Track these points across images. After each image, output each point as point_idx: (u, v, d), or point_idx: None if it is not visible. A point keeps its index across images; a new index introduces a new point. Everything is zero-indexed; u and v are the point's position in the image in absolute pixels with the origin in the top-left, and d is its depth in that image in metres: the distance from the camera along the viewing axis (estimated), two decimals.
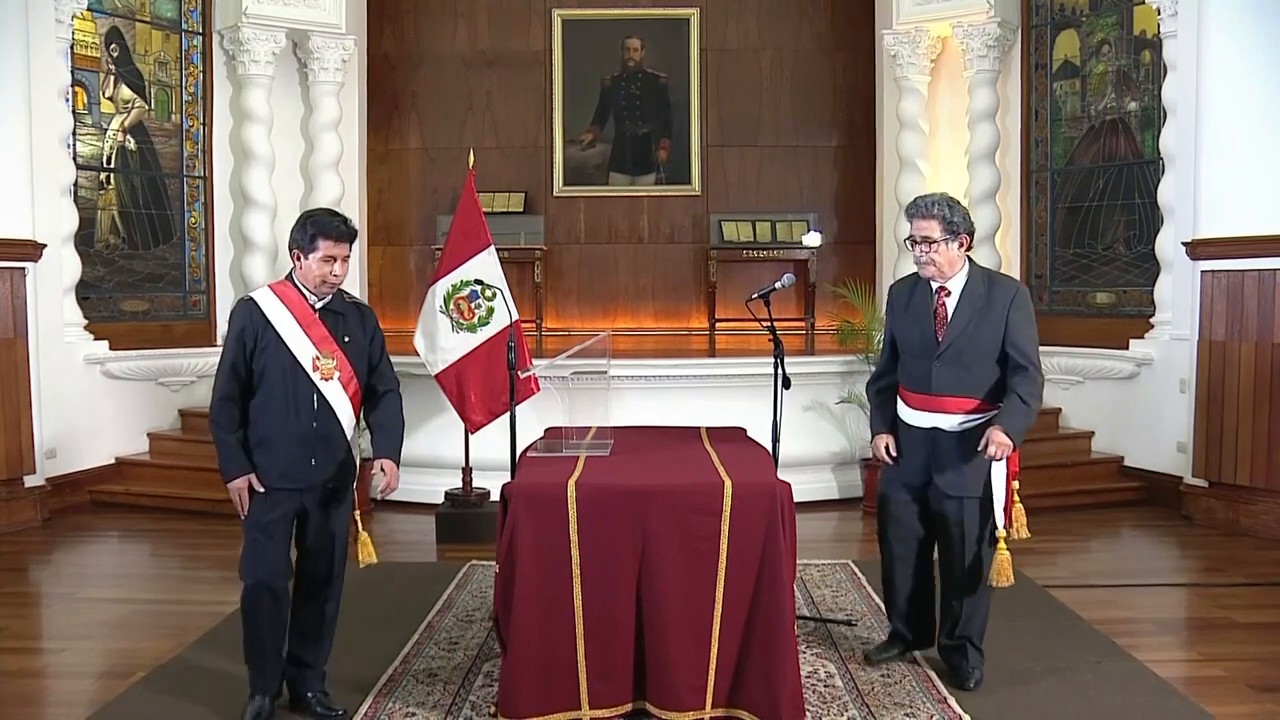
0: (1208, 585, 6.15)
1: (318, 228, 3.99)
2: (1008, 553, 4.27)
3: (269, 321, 3.98)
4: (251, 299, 4.05)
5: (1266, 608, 5.61)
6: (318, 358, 3.97)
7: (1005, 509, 4.24)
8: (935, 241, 4.27)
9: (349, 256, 4.09)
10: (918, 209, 4.31)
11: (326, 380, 3.99)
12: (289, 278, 4.10)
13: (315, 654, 4.14)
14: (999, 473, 4.22)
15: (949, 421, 4.31)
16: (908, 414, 4.46)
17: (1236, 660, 4.81)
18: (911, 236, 4.34)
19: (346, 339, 4.07)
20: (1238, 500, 7.19)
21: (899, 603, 4.64)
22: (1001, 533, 4.25)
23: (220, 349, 4.17)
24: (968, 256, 4.37)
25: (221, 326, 9.44)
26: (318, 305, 4.05)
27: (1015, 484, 4.29)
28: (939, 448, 4.35)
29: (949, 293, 4.34)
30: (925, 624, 4.68)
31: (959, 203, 4.33)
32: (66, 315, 8.01)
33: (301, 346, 3.97)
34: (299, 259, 4.03)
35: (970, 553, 4.34)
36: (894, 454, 4.51)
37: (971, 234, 4.33)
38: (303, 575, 4.11)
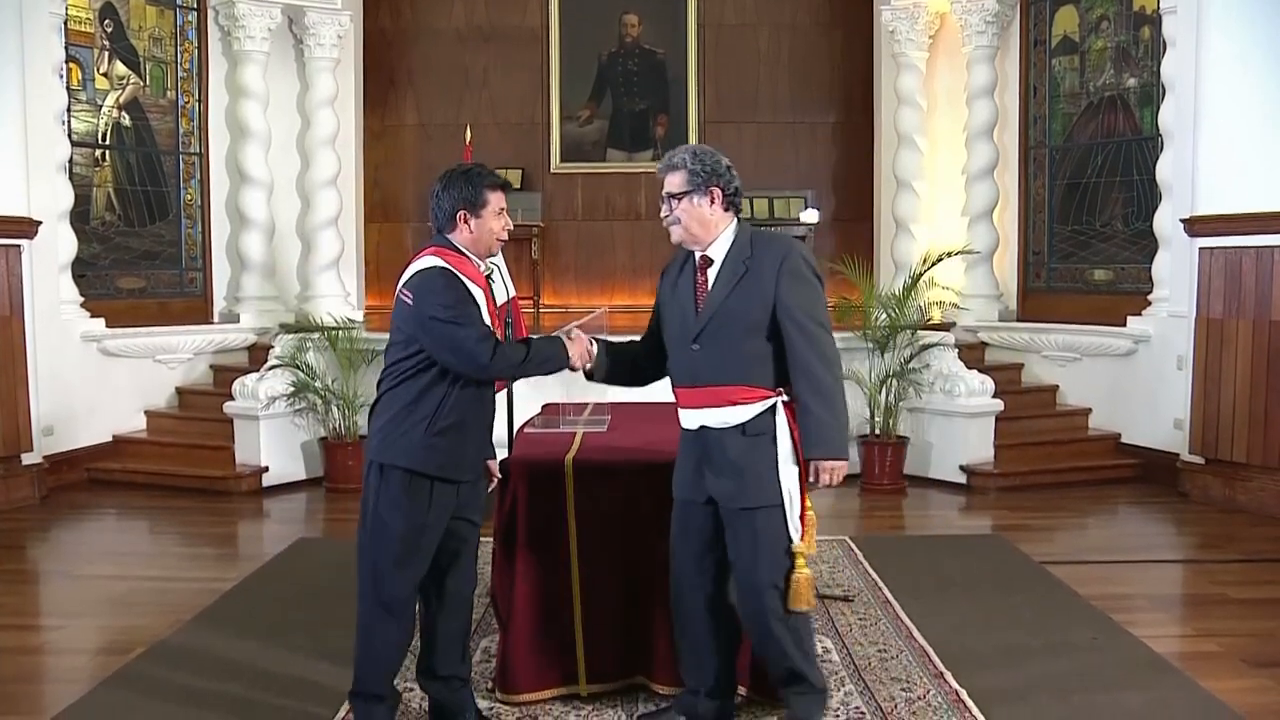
0: (1203, 561, 6.17)
1: (483, 180, 3.60)
2: (807, 571, 3.47)
3: (475, 301, 3.53)
4: (455, 275, 3.51)
5: (1261, 584, 5.62)
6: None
7: (799, 517, 3.47)
8: (677, 196, 3.52)
9: None
10: (662, 165, 3.61)
11: None
12: (449, 247, 3.60)
13: (468, 665, 3.94)
14: (790, 476, 3.46)
15: (716, 417, 3.50)
16: (680, 415, 3.66)
17: (1231, 636, 4.82)
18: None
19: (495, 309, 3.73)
20: (1234, 477, 7.20)
21: (691, 655, 3.74)
22: (798, 546, 3.46)
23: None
24: (740, 219, 3.63)
25: (219, 303, 9.44)
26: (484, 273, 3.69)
27: (827, 479, 3.47)
28: (711, 451, 3.51)
29: (711, 261, 3.56)
30: (729, 683, 3.79)
31: (713, 152, 3.58)
32: (63, 293, 7.98)
33: (490, 325, 3.57)
34: (465, 220, 3.58)
35: (769, 575, 3.46)
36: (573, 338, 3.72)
37: (727, 189, 3.53)
38: (450, 575, 3.75)
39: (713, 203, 3.53)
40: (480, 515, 3.80)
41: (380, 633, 3.63)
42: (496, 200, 3.62)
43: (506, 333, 5.07)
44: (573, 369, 3.69)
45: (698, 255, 3.59)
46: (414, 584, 3.62)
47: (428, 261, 3.53)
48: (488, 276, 6.59)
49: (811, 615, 3.64)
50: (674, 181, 3.55)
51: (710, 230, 3.55)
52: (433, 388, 3.51)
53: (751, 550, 3.48)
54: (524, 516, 3.95)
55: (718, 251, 3.55)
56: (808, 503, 3.50)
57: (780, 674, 3.61)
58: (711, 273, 3.55)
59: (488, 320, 3.56)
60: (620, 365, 3.84)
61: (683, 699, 3.82)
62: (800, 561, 3.46)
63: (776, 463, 3.46)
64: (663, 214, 3.60)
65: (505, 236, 3.69)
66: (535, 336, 3.66)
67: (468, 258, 3.61)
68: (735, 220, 3.60)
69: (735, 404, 3.47)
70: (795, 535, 3.45)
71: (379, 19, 10.71)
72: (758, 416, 3.48)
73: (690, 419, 3.59)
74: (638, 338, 3.91)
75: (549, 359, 3.63)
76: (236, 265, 9.44)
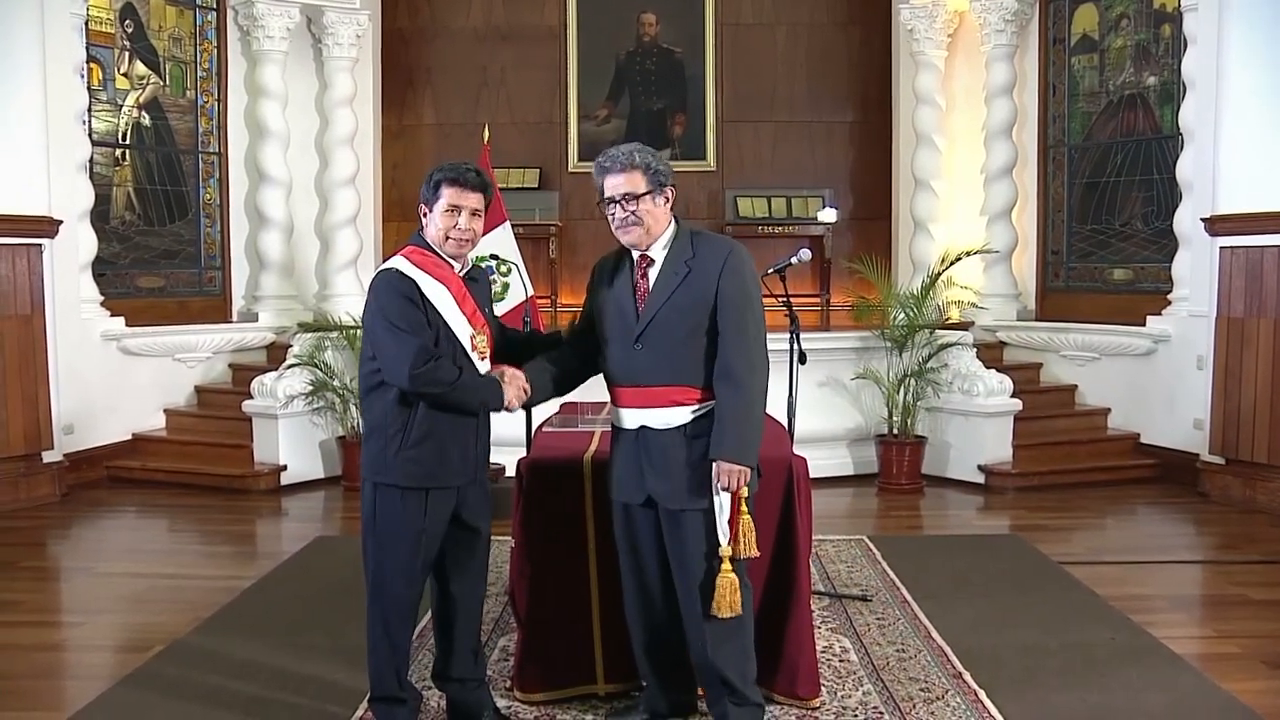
0: (1223, 562, 6.13)
1: (442, 174, 3.53)
2: (733, 576, 3.43)
3: (430, 302, 3.46)
4: (405, 274, 3.45)
5: None
6: (474, 336, 3.52)
7: (730, 522, 3.43)
8: (640, 196, 3.44)
9: (480, 212, 3.57)
10: (615, 162, 3.46)
11: (483, 360, 3.56)
12: (419, 243, 3.56)
13: (482, 666, 3.91)
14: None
15: (658, 418, 3.48)
16: (617, 415, 3.61)
17: (1251, 637, 4.79)
18: (608, 198, 3.49)
19: (486, 310, 3.66)
20: (1254, 477, 7.16)
21: (644, 654, 3.78)
22: (725, 550, 3.42)
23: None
24: (677, 218, 3.58)
25: (238, 302, 9.48)
26: (461, 273, 3.58)
27: (744, 492, 3.42)
28: (651, 452, 3.49)
29: (652, 262, 3.51)
30: (684, 679, 3.82)
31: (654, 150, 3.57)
32: (83, 292, 8.02)
33: (460, 326, 3.50)
34: (424, 215, 3.56)
35: (700, 577, 3.48)
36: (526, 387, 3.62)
37: (675, 187, 3.55)
38: (455, 580, 3.76)
39: (667, 202, 3.51)
40: (487, 521, 3.78)
41: (390, 636, 3.64)
42: (450, 196, 3.51)
43: (525, 329, 5.09)
44: (509, 409, 3.61)
45: (636, 255, 3.54)
46: (419, 586, 3.63)
47: (390, 262, 3.52)
48: (506, 273, 6.63)
49: (749, 632, 3.58)
50: (635, 181, 3.45)
51: (660, 229, 3.51)
52: (398, 403, 3.46)
53: (682, 552, 3.49)
54: (542, 516, 3.96)
55: (658, 252, 3.51)
56: (742, 508, 3.43)
57: (713, 683, 3.58)
58: (652, 273, 3.50)
59: (456, 321, 3.49)
60: (556, 383, 3.74)
61: (646, 695, 3.86)
62: (726, 567, 3.42)
63: (712, 469, 3.41)
64: (617, 216, 3.48)
65: (458, 236, 3.53)
66: (469, 376, 3.54)
67: (440, 256, 3.54)
68: (674, 220, 3.56)
69: (677, 404, 3.46)
70: (723, 539, 3.42)
71: (397, 18, 10.74)
72: (699, 418, 3.46)
73: (630, 419, 3.55)
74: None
75: (481, 392, 3.52)
76: (255, 264, 9.48)
